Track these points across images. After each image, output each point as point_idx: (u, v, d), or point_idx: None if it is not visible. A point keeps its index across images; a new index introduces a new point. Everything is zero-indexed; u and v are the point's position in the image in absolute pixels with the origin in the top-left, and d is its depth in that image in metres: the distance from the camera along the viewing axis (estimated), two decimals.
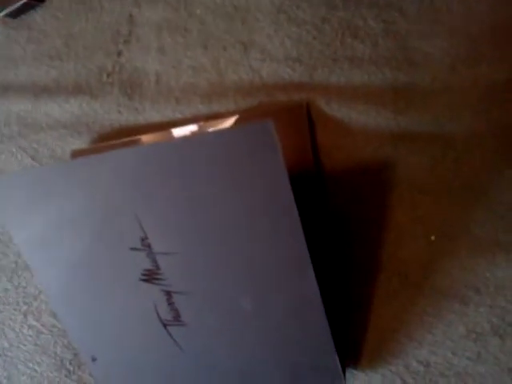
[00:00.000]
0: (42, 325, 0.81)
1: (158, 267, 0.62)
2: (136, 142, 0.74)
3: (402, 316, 0.64)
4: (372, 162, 0.65)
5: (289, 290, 0.60)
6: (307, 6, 0.69)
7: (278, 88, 0.69)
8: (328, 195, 0.66)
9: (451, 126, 0.63)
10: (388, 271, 0.64)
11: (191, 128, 0.71)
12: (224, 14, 0.73)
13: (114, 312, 0.67)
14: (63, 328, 0.78)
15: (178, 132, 0.72)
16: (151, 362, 0.69)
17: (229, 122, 0.70)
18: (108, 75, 0.77)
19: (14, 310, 0.82)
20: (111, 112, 0.77)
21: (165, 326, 0.65)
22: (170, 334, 0.66)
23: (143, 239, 0.61)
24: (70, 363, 0.80)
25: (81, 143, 0.79)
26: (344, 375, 0.63)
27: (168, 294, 0.63)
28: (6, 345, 0.82)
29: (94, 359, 0.71)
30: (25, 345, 0.82)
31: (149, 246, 0.61)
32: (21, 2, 0.82)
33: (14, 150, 0.83)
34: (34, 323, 0.81)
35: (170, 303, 0.64)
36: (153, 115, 0.75)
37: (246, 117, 0.70)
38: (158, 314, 0.65)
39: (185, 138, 0.67)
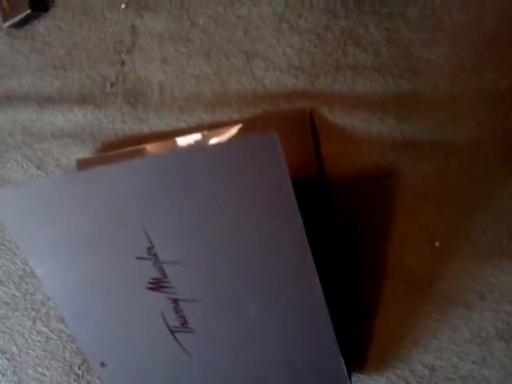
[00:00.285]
0: (51, 330, 0.80)
1: (164, 276, 0.61)
2: (140, 151, 0.72)
3: (408, 321, 0.63)
4: (375, 170, 0.63)
5: (294, 296, 0.59)
6: (309, 14, 0.67)
7: (281, 96, 0.67)
8: (332, 203, 0.65)
9: (454, 134, 0.61)
10: (393, 277, 0.63)
11: (195, 137, 0.70)
12: (226, 23, 0.71)
13: (121, 319, 0.66)
14: (72, 334, 0.76)
15: (182, 141, 0.70)
16: (159, 368, 0.69)
17: (232, 131, 0.68)
18: (112, 85, 0.76)
19: (23, 315, 0.81)
20: (115, 121, 0.75)
21: (172, 332, 0.64)
22: (177, 341, 0.65)
23: (150, 248, 0.60)
24: (79, 368, 0.79)
25: (85, 152, 0.77)
26: (350, 379, 0.63)
27: (175, 301, 0.62)
28: (16, 350, 0.81)
29: (102, 364, 0.70)
30: (34, 350, 0.81)
31: (155, 255, 0.60)
32: (24, 13, 0.80)
33: (19, 159, 0.81)
34: (43, 329, 0.80)
35: (178, 311, 0.63)
36: (157, 124, 0.73)
37: (249, 125, 0.68)
38: (165, 321, 0.64)
39: (189, 149, 0.66)
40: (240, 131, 0.68)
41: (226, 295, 0.60)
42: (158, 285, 0.62)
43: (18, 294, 0.81)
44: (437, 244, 0.61)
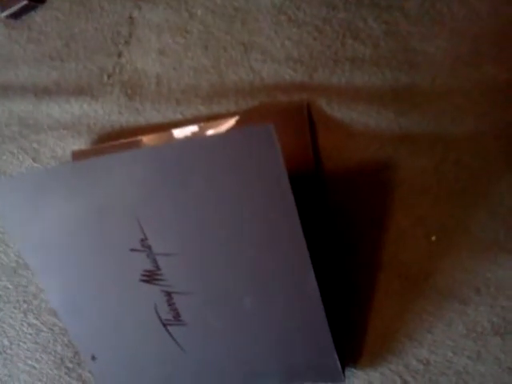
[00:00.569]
0: (42, 323, 0.78)
1: (158, 268, 0.59)
2: (137, 143, 0.70)
3: (402, 315, 0.61)
4: (373, 163, 0.61)
5: (289, 289, 0.57)
6: (308, 7, 0.65)
7: (279, 89, 0.65)
8: (328, 196, 0.63)
9: (452, 128, 0.59)
10: (388, 271, 0.61)
11: (192, 129, 0.67)
12: (224, 15, 0.69)
13: (114, 312, 0.64)
14: (64, 327, 0.74)
15: (179, 133, 0.68)
16: (151, 362, 0.67)
17: (229, 123, 0.66)
18: (109, 76, 0.73)
19: (14, 308, 0.79)
20: (112, 113, 0.73)
21: (165, 325, 0.63)
22: (170, 334, 0.63)
23: (143, 240, 0.58)
24: (70, 361, 0.76)
25: (81, 144, 0.75)
26: (344, 374, 0.61)
27: (168, 294, 0.61)
28: (7, 343, 0.79)
29: (93, 358, 0.69)
30: (25, 343, 0.79)
31: (149, 247, 0.58)
32: (21, 3, 0.77)
33: (15, 150, 0.78)
34: (34, 321, 0.78)
35: (171, 303, 0.61)
36: (153, 116, 0.71)
37: (246, 118, 0.66)
38: (158, 313, 0.62)
39: (185, 141, 0.64)
40: (237, 123, 0.66)
41: (221, 288, 0.59)
42: (151, 277, 0.60)
43: (10, 286, 0.79)
44: (433, 238, 0.60)
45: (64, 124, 0.75)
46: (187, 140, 0.66)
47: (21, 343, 0.79)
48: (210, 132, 0.67)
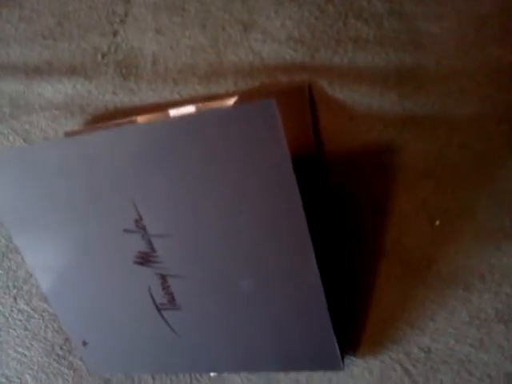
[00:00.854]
0: (33, 309, 0.74)
1: (153, 250, 0.56)
2: (131, 123, 0.65)
3: (404, 302, 0.58)
4: (375, 146, 0.57)
5: (288, 274, 0.54)
6: None
7: (279, 69, 0.61)
8: (330, 179, 0.59)
9: (457, 110, 0.56)
10: (391, 257, 0.58)
11: (189, 109, 0.63)
12: None
13: (106, 295, 0.61)
14: (54, 311, 0.71)
15: (175, 112, 0.64)
16: (144, 346, 0.64)
17: (228, 104, 0.62)
18: (103, 55, 0.69)
19: (4, 293, 0.76)
20: (106, 93, 0.68)
21: (159, 310, 0.60)
22: (164, 318, 0.60)
23: (138, 221, 0.55)
24: (61, 348, 0.73)
25: (74, 125, 0.70)
26: (343, 362, 0.58)
27: (163, 277, 0.58)
28: None
29: (84, 343, 0.66)
30: (14, 329, 0.76)
31: (144, 227, 0.55)
32: None
33: (5, 131, 0.74)
34: (25, 307, 0.74)
35: (165, 287, 0.58)
36: (149, 96, 0.67)
37: (245, 98, 0.62)
38: (152, 297, 0.59)
39: (182, 117, 0.60)
40: (236, 104, 0.62)
41: (218, 271, 0.55)
42: (145, 259, 0.57)
43: (1, 271, 0.75)
44: (437, 223, 0.56)
45: (56, 104, 0.71)
46: (184, 116, 0.61)
47: (10, 330, 0.76)
48: (208, 109, 0.63)
